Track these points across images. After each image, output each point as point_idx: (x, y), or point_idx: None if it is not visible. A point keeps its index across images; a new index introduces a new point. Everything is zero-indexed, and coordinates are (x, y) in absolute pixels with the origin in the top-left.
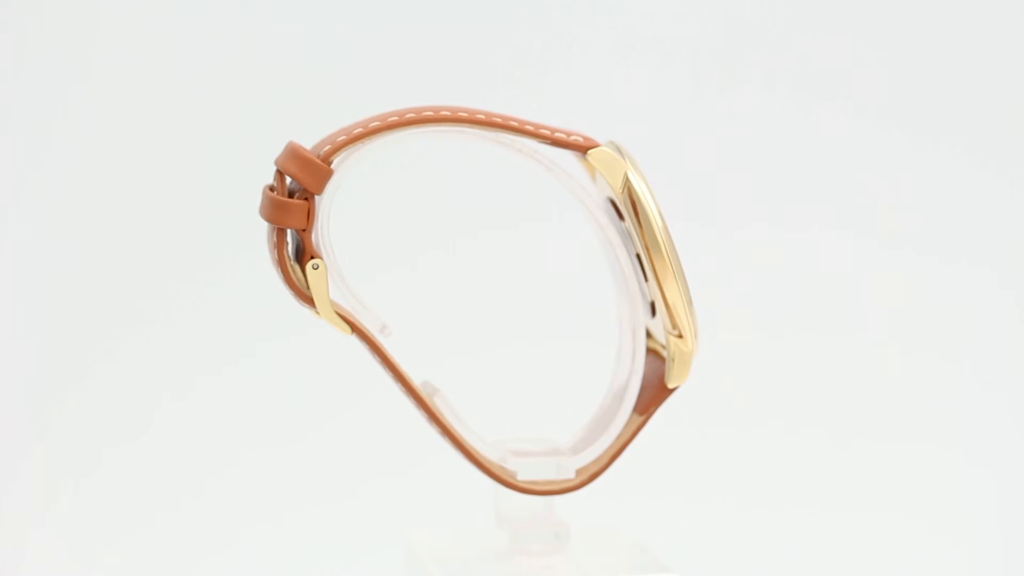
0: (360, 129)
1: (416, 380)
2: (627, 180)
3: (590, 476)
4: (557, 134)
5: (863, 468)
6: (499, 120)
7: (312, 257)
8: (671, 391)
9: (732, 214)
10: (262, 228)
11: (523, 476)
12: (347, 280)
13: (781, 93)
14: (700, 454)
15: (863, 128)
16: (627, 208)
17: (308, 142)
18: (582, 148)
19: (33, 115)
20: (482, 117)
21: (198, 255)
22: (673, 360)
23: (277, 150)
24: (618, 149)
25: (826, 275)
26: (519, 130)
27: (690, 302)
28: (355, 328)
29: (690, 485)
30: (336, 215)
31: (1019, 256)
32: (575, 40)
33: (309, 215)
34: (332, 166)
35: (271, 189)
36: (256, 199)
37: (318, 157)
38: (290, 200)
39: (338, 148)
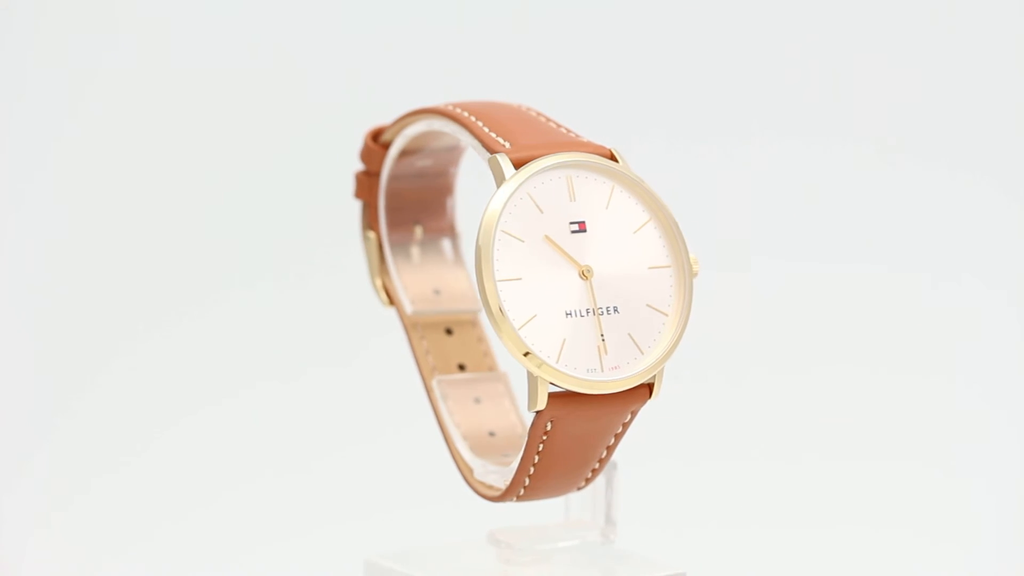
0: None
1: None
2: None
3: (506, 491)
4: (494, 133)
5: (866, 485)
6: (457, 112)
7: (368, 228)
8: (536, 416)
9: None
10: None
11: (477, 475)
12: (453, 262)
13: (772, 121)
14: (697, 469)
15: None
16: None
17: None
18: (490, 149)
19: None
20: (449, 109)
21: (219, 271)
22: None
23: None
24: (592, 162)
25: (827, 294)
26: (461, 120)
27: (513, 337)
28: (393, 302)
29: (686, 501)
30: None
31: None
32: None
33: (370, 190)
34: (389, 148)
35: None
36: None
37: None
38: (358, 175)
39: (384, 130)
